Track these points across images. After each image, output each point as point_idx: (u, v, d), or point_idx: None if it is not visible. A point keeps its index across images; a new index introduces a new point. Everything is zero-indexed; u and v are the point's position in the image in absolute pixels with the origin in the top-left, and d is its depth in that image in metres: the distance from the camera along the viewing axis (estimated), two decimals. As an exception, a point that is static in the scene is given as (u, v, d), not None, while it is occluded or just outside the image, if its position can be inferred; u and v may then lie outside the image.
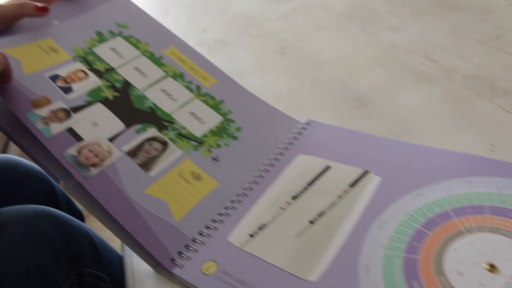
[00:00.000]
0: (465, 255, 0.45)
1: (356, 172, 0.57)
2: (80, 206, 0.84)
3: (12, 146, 1.30)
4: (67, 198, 0.78)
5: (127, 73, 0.66)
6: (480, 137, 0.60)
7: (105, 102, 0.62)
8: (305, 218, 0.53)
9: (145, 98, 0.64)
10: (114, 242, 0.64)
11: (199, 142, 0.62)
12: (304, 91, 0.74)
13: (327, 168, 0.58)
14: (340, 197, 0.54)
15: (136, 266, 0.54)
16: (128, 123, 0.60)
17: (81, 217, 0.85)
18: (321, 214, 0.53)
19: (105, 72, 0.65)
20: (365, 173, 0.56)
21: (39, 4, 0.64)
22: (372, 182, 0.55)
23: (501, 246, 0.45)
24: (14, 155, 0.76)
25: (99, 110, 0.61)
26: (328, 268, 0.47)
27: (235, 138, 0.63)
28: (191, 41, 0.76)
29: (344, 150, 0.60)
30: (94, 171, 0.55)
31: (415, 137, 0.61)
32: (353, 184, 0.55)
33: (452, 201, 0.50)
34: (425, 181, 0.53)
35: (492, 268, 0.43)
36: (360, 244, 0.49)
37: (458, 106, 0.64)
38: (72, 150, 0.56)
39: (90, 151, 0.56)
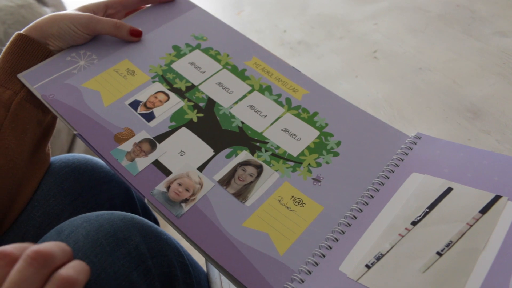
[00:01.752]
0: None
1: (485, 196, 0.48)
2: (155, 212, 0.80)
3: (78, 143, 1.28)
4: (143, 203, 0.75)
5: (210, 89, 0.61)
6: None
7: (190, 125, 0.57)
8: (431, 249, 0.45)
9: (233, 116, 0.58)
10: (194, 252, 0.59)
11: (297, 162, 0.55)
12: (405, 99, 0.66)
13: (449, 190, 0.50)
14: (469, 225, 0.46)
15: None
16: (217, 147, 0.55)
17: (156, 224, 0.81)
18: (449, 245, 0.45)
19: (186, 91, 0.60)
20: (497, 197, 0.48)
21: (134, 28, 0.64)
22: (508, 209, 0.46)
23: None
24: (83, 153, 0.74)
25: (185, 136, 0.56)
26: None
27: (335, 154, 0.56)
28: (271, 42, 0.70)
29: (466, 170, 0.52)
30: (185, 207, 0.50)
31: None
32: (484, 211, 0.47)
33: None
34: None
35: None
36: (506, 283, 0.41)
37: None
38: (160, 187, 0.51)
39: (180, 184, 0.51)
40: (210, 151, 0.55)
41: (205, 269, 0.63)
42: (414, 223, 0.48)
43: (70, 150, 1.32)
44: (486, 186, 0.49)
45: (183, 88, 0.60)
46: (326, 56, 0.80)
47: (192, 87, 0.60)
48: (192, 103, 0.59)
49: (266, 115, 0.59)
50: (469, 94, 0.64)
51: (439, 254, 0.45)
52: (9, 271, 0.36)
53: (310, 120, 0.59)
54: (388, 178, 0.53)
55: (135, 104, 0.58)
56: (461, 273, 0.43)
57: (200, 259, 0.59)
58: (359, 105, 0.61)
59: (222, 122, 0.58)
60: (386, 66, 0.74)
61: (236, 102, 0.60)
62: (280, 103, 0.60)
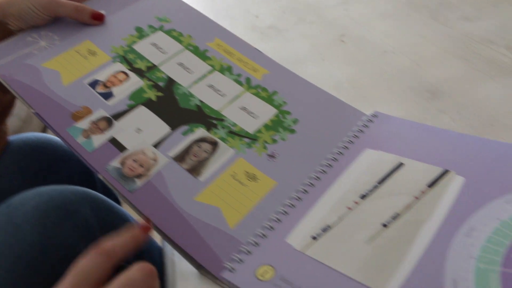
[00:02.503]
0: None
1: (434, 170, 0.49)
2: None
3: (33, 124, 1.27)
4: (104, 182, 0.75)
5: (170, 70, 0.61)
6: None
7: (148, 104, 0.57)
8: (377, 221, 0.46)
9: (191, 95, 0.58)
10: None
11: (253, 138, 0.55)
12: (368, 81, 0.67)
13: (400, 165, 0.51)
14: (416, 198, 0.47)
15: (179, 261, 0.50)
16: (173, 125, 0.55)
17: (117, 203, 0.81)
18: (395, 217, 0.46)
19: (147, 71, 0.60)
20: (445, 172, 0.48)
21: (96, 12, 0.63)
22: (454, 183, 0.47)
23: None
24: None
25: (142, 114, 0.56)
26: (407, 280, 0.40)
27: (292, 131, 0.56)
28: (243, 27, 0.70)
29: (418, 146, 0.52)
30: (139, 182, 0.50)
31: (499, 134, 0.54)
32: (432, 184, 0.47)
33: None
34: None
35: None
36: (445, 253, 0.41)
37: None
38: (115, 163, 0.51)
39: (135, 160, 0.52)
40: (166, 129, 0.55)
41: (161, 245, 0.64)
42: (363, 197, 0.49)
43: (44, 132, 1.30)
44: (436, 161, 0.50)
45: (144, 68, 0.60)
46: (295, 41, 0.80)
47: (152, 67, 0.61)
48: (151, 83, 0.59)
49: (225, 94, 0.59)
50: (430, 76, 0.64)
51: (385, 226, 0.45)
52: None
53: (269, 99, 0.59)
54: (342, 154, 0.54)
55: (94, 84, 0.58)
56: (404, 243, 0.43)
57: (158, 236, 0.59)
58: (323, 87, 0.61)
59: (181, 101, 0.58)
60: (353, 50, 0.74)
61: (196, 82, 0.60)
62: (239, 83, 0.61)
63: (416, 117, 0.58)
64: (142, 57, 0.62)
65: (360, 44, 0.75)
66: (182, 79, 0.60)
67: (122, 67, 0.60)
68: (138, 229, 0.41)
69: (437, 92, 0.61)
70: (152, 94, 0.58)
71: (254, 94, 0.60)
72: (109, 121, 0.55)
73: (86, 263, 0.37)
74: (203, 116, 0.57)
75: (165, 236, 0.48)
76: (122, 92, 0.58)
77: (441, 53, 0.69)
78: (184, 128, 0.55)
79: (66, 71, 0.59)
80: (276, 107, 0.59)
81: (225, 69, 0.62)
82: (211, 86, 0.60)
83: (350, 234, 0.46)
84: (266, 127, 0.57)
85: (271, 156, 0.54)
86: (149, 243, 0.60)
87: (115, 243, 0.39)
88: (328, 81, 0.67)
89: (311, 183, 0.51)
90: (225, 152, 0.54)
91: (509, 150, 0.49)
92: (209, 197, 0.51)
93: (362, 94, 0.64)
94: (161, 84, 0.59)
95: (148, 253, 0.59)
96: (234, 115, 0.57)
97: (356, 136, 0.55)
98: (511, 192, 0.44)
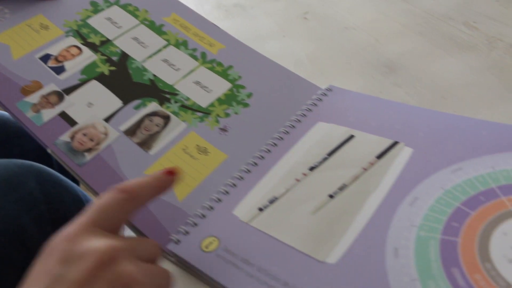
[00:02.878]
0: None
1: (384, 142, 0.49)
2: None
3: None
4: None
5: (124, 44, 0.60)
6: None
7: (101, 78, 0.56)
8: (324, 192, 0.46)
9: (145, 70, 0.58)
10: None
11: (206, 112, 0.55)
12: (327, 57, 0.66)
13: (351, 137, 0.50)
14: (365, 169, 0.47)
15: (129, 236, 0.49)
16: (126, 99, 0.55)
17: (74, 182, 0.80)
18: (342, 188, 0.45)
19: (101, 45, 0.59)
20: (395, 144, 0.48)
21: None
22: (403, 154, 0.47)
23: None
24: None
25: (94, 88, 0.55)
26: (349, 249, 0.40)
27: (245, 105, 0.56)
28: (209, 6, 0.69)
29: (370, 119, 0.52)
30: (88, 156, 0.49)
31: (451, 107, 0.54)
32: (381, 156, 0.47)
33: (498, 178, 0.42)
34: (465, 155, 0.45)
35: None
36: (388, 223, 0.41)
37: (503, 75, 0.56)
38: (64, 137, 0.50)
39: (84, 134, 0.51)
40: (118, 103, 0.54)
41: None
42: (312, 169, 0.48)
43: None
44: (387, 133, 0.50)
45: (97, 43, 0.60)
46: (259, 18, 0.80)
47: (106, 42, 0.60)
48: (105, 57, 0.58)
49: (179, 69, 0.59)
50: (388, 51, 0.64)
51: (331, 196, 0.45)
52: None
53: (224, 73, 0.59)
54: (294, 127, 0.53)
55: (46, 58, 0.57)
56: (349, 214, 0.43)
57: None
58: (283, 63, 0.61)
59: (134, 75, 0.57)
60: (315, 27, 0.74)
61: (150, 56, 0.59)
62: (194, 57, 0.60)
63: (372, 91, 0.57)
64: (96, 32, 0.61)
65: (322, 21, 0.75)
66: (136, 53, 0.59)
67: (75, 42, 0.59)
68: (163, 173, 0.40)
69: (394, 67, 0.61)
70: (105, 69, 0.57)
71: (209, 68, 0.59)
72: (60, 96, 0.54)
73: (107, 200, 0.35)
74: (156, 91, 0.56)
75: None
76: (74, 66, 0.57)
77: (401, 29, 0.68)
78: (136, 102, 0.55)
79: (17, 45, 0.58)
80: (231, 81, 0.58)
81: (181, 44, 0.61)
82: (165, 61, 0.59)
83: (296, 205, 0.45)
84: (219, 101, 0.56)
85: (223, 129, 0.54)
86: None
87: (137, 183, 0.37)
88: (289, 57, 0.67)
89: (261, 156, 0.51)
90: (177, 126, 0.53)
91: (457, 121, 0.49)
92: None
93: (321, 69, 0.64)
94: (114, 58, 0.58)
95: None
96: (187, 89, 0.57)
97: (309, 109, 0.55)
98: (456, 162, 0.44)
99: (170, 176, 0.40)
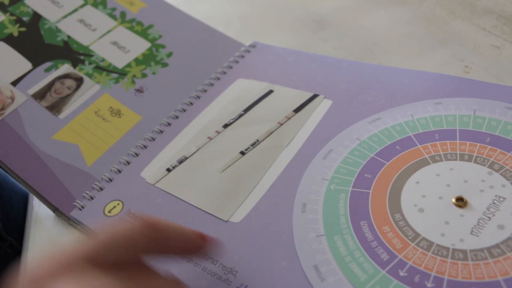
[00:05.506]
0: (428, 188, 0.35)
1: (303, 96, 0.46)
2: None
3: None
4: None
5: (36, 4, 0.56)
6: (454, 58, 0.50)
7: (9, 40, 0.52)
8: (236, 149, 0.43)
9: (58, 31, 0.54)
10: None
11: (121, 73, 0.52)
12: (258, 16, 0.63)
13: (270, 92, 0.48)
14: (280, 124, 0.44)
15: (38, 206, 0.47)
16: (36, 61, 0.51)
17: None
18: (255, 144, 0.43)
19: (9, 5, 0.55)
20: (313, 96, 0.45)
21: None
22: (322, 107, 0.44)
23: (474, 176, 0.35)
24: None
25: (1, 50, 0.51)
26: (255, 207, 0.38)
27: (164, 65, 0.53)
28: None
29: (291, 73, 0.49)
30: (-9, 122, 0.46)
31: (378, 59, 0.51)
32: (298, 109, 0.45)
33: (416, 126, 0.40)
34: (385, 104, 0.43)
35: (461, 202, 0.34)
36: (299, 178, 0.39)
37: (431, 26, 0.54)
38: (-35, 102, 0.47)
39: (-12, 99, 0.47)
40: (28, 65, 0.51)
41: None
42: (226, 126, 0.45)
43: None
44: (308, 87, 0.47)
45: (6, 2, 0.55)
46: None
47: (16, 1, 0.56)
48: (14, 17, 0.54)
49: (96, 29, 0.55)
50: (319, 7, 0.62)
51: (243, 153, 0.42)
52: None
53: (143, 32, 0.55)
54: (213, 85, 0.50)
55: None
56: (259, 169, 0.40)
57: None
58: (212, 24, 0.57)
59: (46, 36, 0.53)
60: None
61: (65, 16, 0.55)
62: (113, 17, 0.56)
63: (299, 46, 0.54)
64: None
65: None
66: (50, 13, 0.55)
67: (-19, 1, 0.55)
68: (195, 233, 0.32)
69: (323, 23, 0.58)
70: (14, 30, 0.53)
71: (128, 28, 0.55)
72: (-39, 60, 0.50)
73: (130, 228, 0.28)
74: (70, 52, 0.53)
75: (19, 178, 0.44)
76: (-21, 28, 0.53)
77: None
78: (47, 64, 0.51)
79: None
80: (151, 40, 0.55)
81: (99, 3, 0.57)
82: (81, 21, 0.55)
83: (205, 164, 0.43)
84: (137, 61, 0.53)
85: (139, 90, 0.51)
86: (11, 189, 0.55)
87: (172, 226, 0.30)
88: (220, 18, 0.63)
89: (176, 116, 0.48)
90: (89, 88, 0.50)
91: (381, 72, 0.46)
92: (67, 134, 0.47)
93: (251, 28, 0.61)
94: (25, 19, 0.54)
95: (9, 200, 0.54)
96: (103, 50, 0.53)
97: (230, 67, 0.52)
98: (376, 112, 0.42)
99: (202, 240, 0.32)
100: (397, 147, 0.38)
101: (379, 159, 0.38)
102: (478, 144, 0.37)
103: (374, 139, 0.40)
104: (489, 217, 0.32)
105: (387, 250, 0.32)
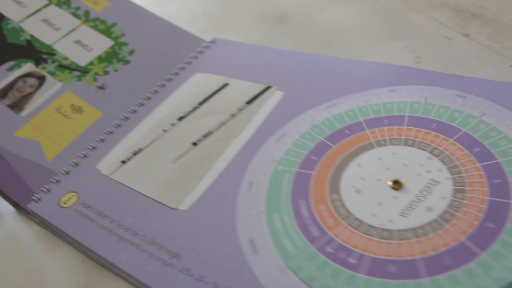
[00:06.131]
0: (368, 171, 0.37)
1: (256, 88, 0.47)
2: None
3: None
4: None
5: None
6: (406, 49, 0.51)
7: None
8: (189, 140, 0.44)
9: (22, 30, 0.55)
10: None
11: (84, 71, 0.53)
12: (223, 12, 0.64)
13: (225, 85, 0.49)
14: (233, 115, 0.45)
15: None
16: None
17: None
18: (207, 135, 0.44)
19: None
20: (266, 88, 0.47)
21: None
22: (273, 98, 0.45)
23: (413, 161, 0.36)
24: None
25: None
26: (203, 194, 0.39)
27: (126, 62, 0.54)
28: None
29: (247, 67, 0.50)
30: (-50, 123, 0.47)
31: (335, 51, 0.53)
32: (251, 101, 0.46)
33: (368, 111, 0.41)
34: (341, 92, 0.44)
35: (396, 185, 0.35)
36: (249, 161, 0.40)
37: (388, 19, 0.56)
38: None
39: None
40: None
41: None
42: (181, 118, 0.46)
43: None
44: (262, 79, 0.48)
45: None
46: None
47: None
48: None
49: (59, 28, 0.56)
50: (283, 3, 0.63)
51: (195, 144, 0.43)
52: None
53: (107, 31, 0.56)
54: (172, 80, 0.51)
55: None
56: (208, 160, 0.42)
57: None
58: (179, 22, 0.59)
59: (9, 36, 0.54)
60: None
61: (28, 16, 0.56)
62: (77, 16, 0.57)
63: (259, 41, 0.56)
64: None
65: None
66: (13, 13, 0.56)
67: None
68: None
69: (284, 18, 0.59)
70: None
71: (91, 27, 0.57)
72: None
73: None
74: (33, 51, 0.54)
75: None
76: None
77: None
78: (10, 63, 0.52)
79: None
80: (113, 38, 0.56)
81: (63, 3, 0.58)
82: (45, 20, 0.56)
83: (159, 155, 0.44)
84: (99, 59, 0.54)
85: (101, 87, 0.52)
86: None
87: None
88: (185, 15, 0.64)
89: (134, 110, 0.49)
90: (52, 86, 0.51)
91: (337, 63, 0.47)
92: (29, 132, 0.48)
93: (214, 25, 0.62)
94: None
95: None
96: (66, 49, 0.54)
97: (189, 62, 0.53)
98: (331, 99, 0.43)
99: None
100: (346, 131, 0.40)
101: (327, 142, 0.39)
102: (424, 130, 0.38)
103: (326, 123, 0.41)
104: (420, 200, 0.33)
105: (319, 227, 0.33)
